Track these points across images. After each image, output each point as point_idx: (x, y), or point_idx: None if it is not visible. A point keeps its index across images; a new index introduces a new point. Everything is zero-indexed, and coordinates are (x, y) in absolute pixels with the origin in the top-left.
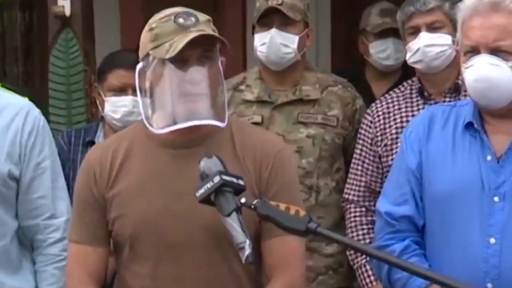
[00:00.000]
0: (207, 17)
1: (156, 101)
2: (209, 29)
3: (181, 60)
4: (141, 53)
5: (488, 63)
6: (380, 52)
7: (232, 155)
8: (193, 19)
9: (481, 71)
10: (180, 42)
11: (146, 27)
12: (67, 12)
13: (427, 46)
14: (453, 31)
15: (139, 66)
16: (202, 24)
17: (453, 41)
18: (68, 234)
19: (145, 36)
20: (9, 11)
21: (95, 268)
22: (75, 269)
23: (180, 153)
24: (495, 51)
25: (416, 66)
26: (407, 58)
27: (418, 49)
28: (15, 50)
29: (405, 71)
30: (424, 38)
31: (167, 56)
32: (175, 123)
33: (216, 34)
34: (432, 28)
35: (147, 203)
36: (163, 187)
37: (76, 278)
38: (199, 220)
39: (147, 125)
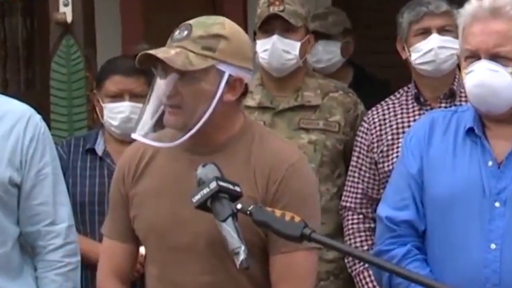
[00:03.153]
0: (211, 32)
1: None
2: (194, 47)
3: (163, 71)
4: None
5: (487, 69)
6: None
7: (243, 165)
8: (185, 32)
9: (480, 77)
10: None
11: None
12: (69, 18)
13: (440, 48)
14: (457, 37)
15: None
16: (190, 39)
17: None
18: (102, 228)
19: None
20: (11, 17)
21: (121, 263)
22: (103, 262)
23: (197, 159)
24: (495, 57)
25: (424, 67)
26: (412, 59)
27: (430, 50)
28: (16, 57)
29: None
30: (436, 39)
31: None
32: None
33: (193, 54)
34: (443, 31)
35: (157, 206)
36: (175, 191)
37: (102, 271)
38: (203, 226)
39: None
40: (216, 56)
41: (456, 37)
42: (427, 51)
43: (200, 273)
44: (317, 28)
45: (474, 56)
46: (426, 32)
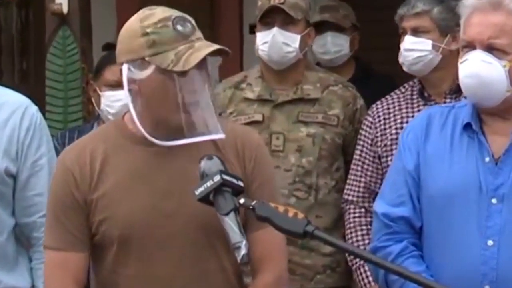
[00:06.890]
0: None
1: (155, 110)
2: (200, 35)
3: (181, 72)
4: (130, 56)
5: (480, 59)
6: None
7: (211, 149)
8: (189, 25)
9: (472, 68)
10: (192, 56)
11: (138, 31)
12: (65, 9)
13: (406, 51)
14: (439, 37)
15: (126, 68)
16: (197, 30)
17: (434, 46)
18: (44, 241)
19: (136, 40)
20: (6, 8)
21: (77, 273)
22: (55, 275)
23: (161, 151)
24: (490, 49)
25: (403, 67)
26: (399, 57)
27: (400, 52)
28: (11, 48)
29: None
30: (406, 42)
31: (177, 69)
32: (182, 135)
33: (217, 46)
34: (416, 32)
35: (134, 202)
36: (148, 185)
37: (57, 285)
38: (188, 217)
39: (146, 135)
40: None
41: (432, 37)
42: (400, 52)
43: (190, 265)
44: (328, 19)
45: (469, 46)
46: (404, 33)
